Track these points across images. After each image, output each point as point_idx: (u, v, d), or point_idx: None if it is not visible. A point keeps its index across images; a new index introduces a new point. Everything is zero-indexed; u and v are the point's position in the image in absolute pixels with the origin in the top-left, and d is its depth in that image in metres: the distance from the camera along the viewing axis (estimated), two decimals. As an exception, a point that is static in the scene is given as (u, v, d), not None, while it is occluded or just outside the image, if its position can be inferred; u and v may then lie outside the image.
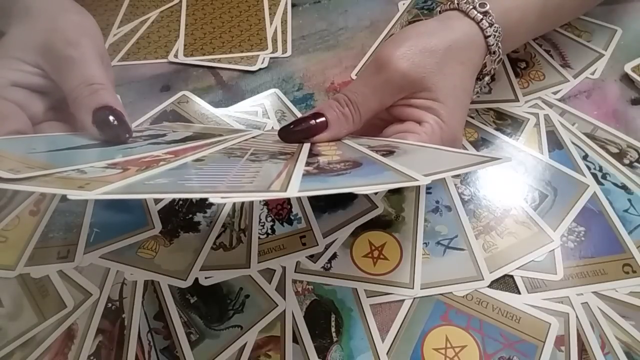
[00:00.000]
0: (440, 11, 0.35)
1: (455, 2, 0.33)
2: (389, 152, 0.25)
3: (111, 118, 0.28)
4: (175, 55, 0.48)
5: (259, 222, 0.36)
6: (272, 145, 0.28)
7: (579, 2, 0.39)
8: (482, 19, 0.31)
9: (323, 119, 0.29)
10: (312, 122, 0.29)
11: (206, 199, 0.36)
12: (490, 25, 0.31)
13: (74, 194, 0.16)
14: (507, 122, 0.40)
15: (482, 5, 0.32)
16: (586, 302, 0.31)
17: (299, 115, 0.42)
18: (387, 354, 0.30)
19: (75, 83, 0.29)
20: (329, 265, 0.34)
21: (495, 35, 0.32)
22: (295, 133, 0.29)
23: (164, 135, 0.31)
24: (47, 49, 0.29)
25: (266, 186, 0.18)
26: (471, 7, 0.32)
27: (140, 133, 0.32)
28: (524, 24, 0.34)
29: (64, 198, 0.38)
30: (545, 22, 0.37)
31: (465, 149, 0.38)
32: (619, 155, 0.37)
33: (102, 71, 0.30)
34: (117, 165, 0.21)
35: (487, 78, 0.34)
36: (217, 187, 0.18)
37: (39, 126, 0.30)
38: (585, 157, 0.37)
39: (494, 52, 0.32)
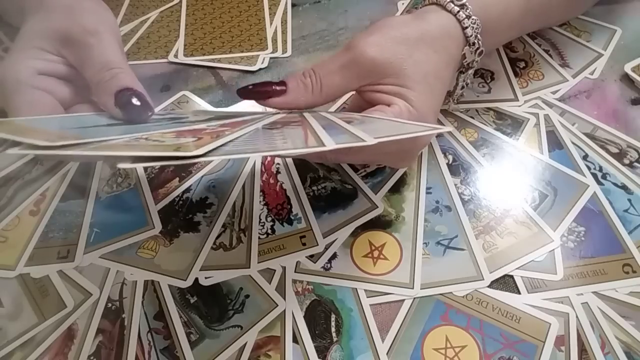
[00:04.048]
0: (421, 6, 0.35)
1: None
2: (347, 123, 0.26)
3: (134, 99, 0.29)
4: (175, 55, 0.48)
5: (259, 222, 0.36)
6: (282, 119, 0.30)
7: (567, 0, 0.40)
8: (459, 11, 0.32)
9: (283, 86, 0.30)
10: (272, 87, 0.30)
11: (207, 198, 0.37)
12: (468, 17, 0.32)
13: (175, 155, 0.16)
14: (507, 122, 0.40)
15: None
16: (586, 302, 0.31)
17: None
18: (387, 354, 0.30)
19: (95, 69, 0.30)
20: (329, 265, 0.34)
21: (473, 27, 0.32)
22: (252, 93, 0.30)
23: (186, 117, 0.32)
24: (66, 37, 0.30)
25: (304, 144, 0.19)
26: (448, 0, 0.32)
27: (162, 116, 0.32)
28: (506, 19, 0.35)
29: (64, 198, 0.38)
30: (530, 18, 0.37)
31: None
32: (619, 155, 0.37)
33: (121, 56, 0.31)
34: (183, 134, 0.22)
35: (471, 71, 0.35)
36: (259, 148, 0.19)
37: (69, 110, 0.32)
38: (585, 157, 0.37)
39: (473, 44, 0.33)
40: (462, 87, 0.36)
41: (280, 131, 0.25)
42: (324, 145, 0.18)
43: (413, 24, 0.32)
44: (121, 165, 0.16)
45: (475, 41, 0.32)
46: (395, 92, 0.30)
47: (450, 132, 0.39)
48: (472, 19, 0.32)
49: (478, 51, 0.33)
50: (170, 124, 0.28)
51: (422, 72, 0.30)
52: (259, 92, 0.30)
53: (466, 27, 0.32)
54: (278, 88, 0.30)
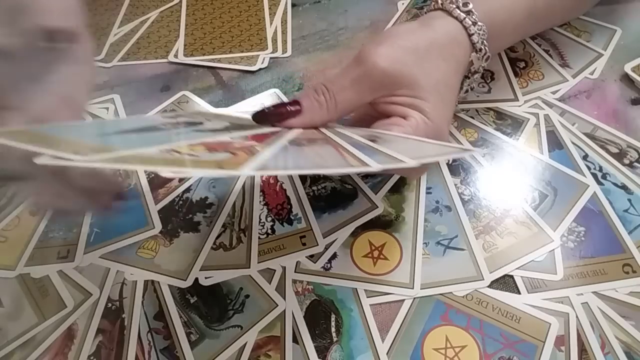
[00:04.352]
0: (425, 12, 0.35)
1: (439, 2, 0.33)
2: (371, 141, 0.25)
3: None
4: (175, 55, 0.48)
5: (259, 222, 0.36)
6: (302, 135, 0.30)
7: (570, 4, 0.39)
8: (465, 18, 0.32)
9: (298, 106, 0.30)
10: (287, 108, 0.30)
11: (207, 198, 0.37)
12: (474, 23, 0.32)
13: (222, 173, 0.17)
14: (507, 122, 0.40)
15: (465, 4, 0.32)
16: (586, 302, 0.31)
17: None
18: (387, 354, 0.30)
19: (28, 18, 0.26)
20: (329, 265, 0.34)
21: (479, 33, 0.32)
22: (269, 116, 0.30)
23: (201, 123, 0.31)
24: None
25: (347, 163, 0.19)
26: (454, 6, 0.32)
27: (174, 120, 0.32)
28: (511, 23, 0.35)
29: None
30: (534, 21, 0.38)
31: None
32: (619, 155, 0.37)
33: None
34: (214, 148, 0.22)
35: (476, 76, 0.35)
36: (302, 165, 0.19)
37: None
38: (585, 157, 0.37)
39: (480, 50, 0.33)
40: (467, 91, 0.36)
41: (311, 148, 0.24)
42: (368, 166, 0.18)
43: (420, 32, 0.31)
44: (164, 174, 0.15)
45: (482, 47, 0.32)
46: (409, 103, 0.30)
47: (450, 132, 0.39)
48: (478, 25, 0.32)
49: (485, 57, 0.33)
50: (190, 132, 0.28)
51: (434, 82, 0.30)
52: (275, 114, 0.30)
53: (472, 34, 0.32)
54: (293, 108, 0.30)
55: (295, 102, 0.30)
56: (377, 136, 0.28)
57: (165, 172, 0.16)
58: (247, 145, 0.23)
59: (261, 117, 0.30)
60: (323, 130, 0.30)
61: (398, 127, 0.29)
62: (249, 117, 0.31)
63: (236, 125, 0.31)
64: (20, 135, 0.21)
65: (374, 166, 0.18)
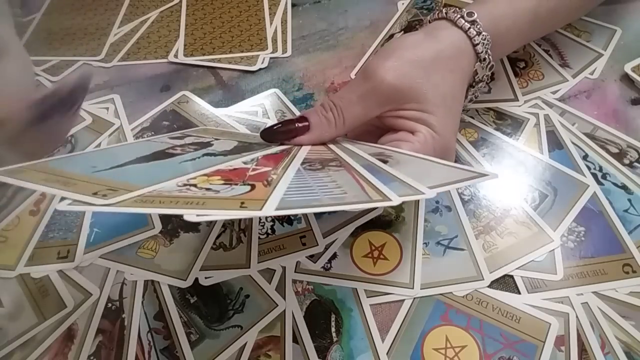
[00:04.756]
0: (429, 21, 0.35)
1: (444, 12, 0.33)
2: (382, 161, 0.25)
3: None
4: (175, 55, 0.48)
5: (259, 222, 0.36)
6: (312, 153, 0.29)
7: (574, 8, 0.39)
8: (469, 28, 0.32)
9: (306, 123, 0.30)
10: (295, 125, 0.30)
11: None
12: (479, 33, 0.32)
13: (245, 214, 0.16)
14: (507, 122, 0.40)
15: (470, 14, 0.32)
16: (586, 302, 0.31)
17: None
18: (387, 354, 0.30)
19: None
20: (329, 265, 0.34)
21: (483, 43, 0.32)
22: (278, 134, 0.30)
23: (210, 144, 0.31)
24: None
25: (367, 196, 0.19)
26: (459, 16, 0.32)
27: (182, 141, 0.31)
28: (514, 31, 0.35)
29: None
30: (538, 28, 0.37)
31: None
32: (619, 155, 0.37)
33: None
34: (230, 177, 0.22)
35: (481, 84, 0.34)
36: (323, 201, 0.19)
37: None
38: (585, 157, 0.37)
39: (484, 59, 0.32)
40: (471, 100, 0.36)
41: (326, 174, 0.24)
42: (390, 200, 0.18)
43: (426, 43, 0.31)
44: (189, 219, 0.15)
45: (486, 56, 0.32)
46: (417, 117, 0.30)
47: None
48: (483, 35, 0.32)
49: (489, 66, 0.33)
50: (201, 158, 0.28)
51: (441, 95, 0.30)
52: (283, 132, 0.30)
53: (477, 44, 0.32)
54: (301, 125, 0.30)
55: (303, 119, 0.30)
56: (387, 154, 0.27)
57: (190, 216, 0.15)
58: (262, 173, 0.23)
59: (269, 134, 0.30)
60: (331, 146, 0.30)
61: (406, 144, 0.29)
62: (255, 133, 0.31)
63: (245, 144, 0.31)
64: (34, 175, 0.21)
65: (395, 200, 0.18)
